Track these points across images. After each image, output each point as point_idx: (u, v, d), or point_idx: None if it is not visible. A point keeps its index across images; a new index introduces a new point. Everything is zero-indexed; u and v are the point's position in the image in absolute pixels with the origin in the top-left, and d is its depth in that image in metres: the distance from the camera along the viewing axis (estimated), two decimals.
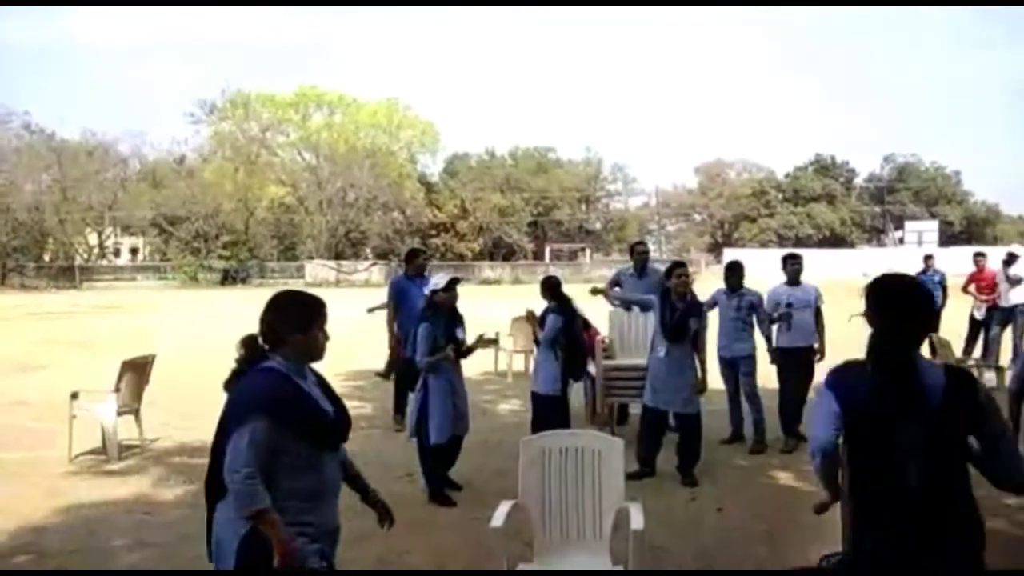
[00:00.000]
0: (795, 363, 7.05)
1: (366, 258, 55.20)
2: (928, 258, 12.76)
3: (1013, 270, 11.17)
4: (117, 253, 59.44)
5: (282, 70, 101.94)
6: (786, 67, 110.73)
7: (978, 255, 12.05)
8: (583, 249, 61.35)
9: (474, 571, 4.35)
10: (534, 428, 6.56)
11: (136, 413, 7.30)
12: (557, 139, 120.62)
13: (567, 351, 6.51)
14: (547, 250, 59.28)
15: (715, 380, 7.48)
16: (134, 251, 62.37)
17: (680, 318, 6.12)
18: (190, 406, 9.10)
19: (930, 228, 58.28)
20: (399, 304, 7.77)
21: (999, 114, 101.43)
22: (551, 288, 6.59)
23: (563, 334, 6.48)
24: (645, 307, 7.06)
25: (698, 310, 6.21)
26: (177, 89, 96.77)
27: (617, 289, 8.14)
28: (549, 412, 6.44)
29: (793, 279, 7.35)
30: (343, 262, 50.81)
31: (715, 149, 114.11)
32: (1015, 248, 11.99)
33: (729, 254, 45.50)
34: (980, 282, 11.63)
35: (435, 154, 61.83)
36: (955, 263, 12.69)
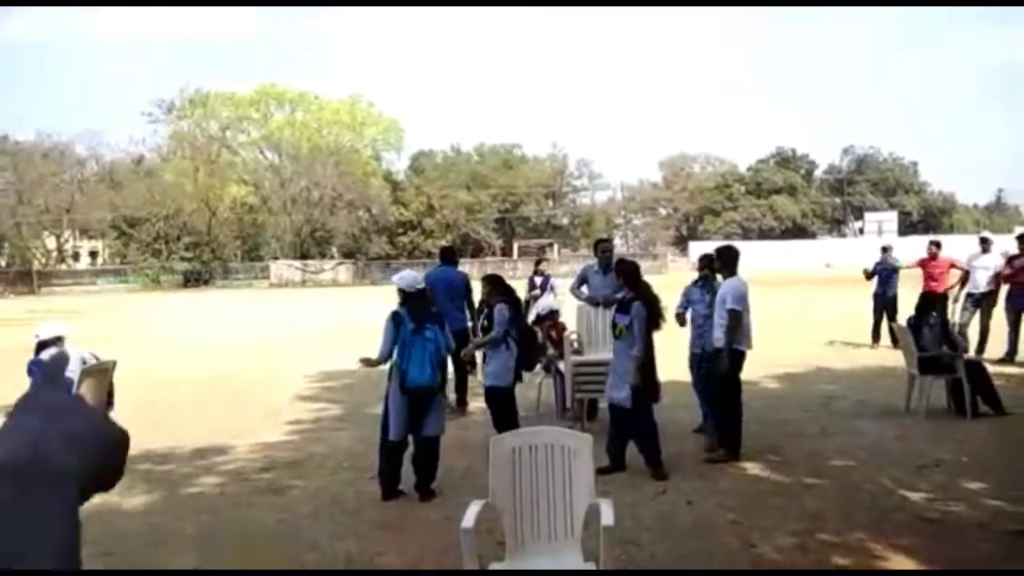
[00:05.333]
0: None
1: (332, 257, 54.73)
2: (885, 249, 13.03)
3: (985, 259, 11.35)
4: (76, 257, 58.16)
5: (242, 68, 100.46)
6: (746, 61, 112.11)
7: (933, 243, 12.30)
8: (551, 244, 61.44)
9: (447, 571, 4.34)
10: (496, 424, 6.63)
11: None
12: (522, 135, 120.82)
13: (519, 342, 6.65)
14: (515, 246, 59.29)
15: (683, 373, 7.57)
16: (93, 254, 61.06)
17: (612, 316, 6.28)
18: (154, 412, 8.96)
19: (889, 218, 59.46)
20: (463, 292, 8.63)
21: (954, 106, 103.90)
22: (496, 283, 6.90)
23: (513, 325, 6.64)
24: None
25: (626, 307, 6.12)
26: (133, 88, 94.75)
27: (584, 289, 8.16)
28: (505, 406, 6.57)
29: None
30: (309, 262, 50.31)
31: (678, 143, 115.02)
32: (988, 234, 12.24)
33: (695, 247, 45.98)
34: (934, 269, 11.88)
35: (400, 151, 61.48)
36: (914, 252, 12.92)
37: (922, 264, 12.15)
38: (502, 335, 6.61)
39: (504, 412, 6.57)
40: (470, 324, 8.36)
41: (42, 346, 6.94)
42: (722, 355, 6.43)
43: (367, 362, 5.82)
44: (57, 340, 7.02)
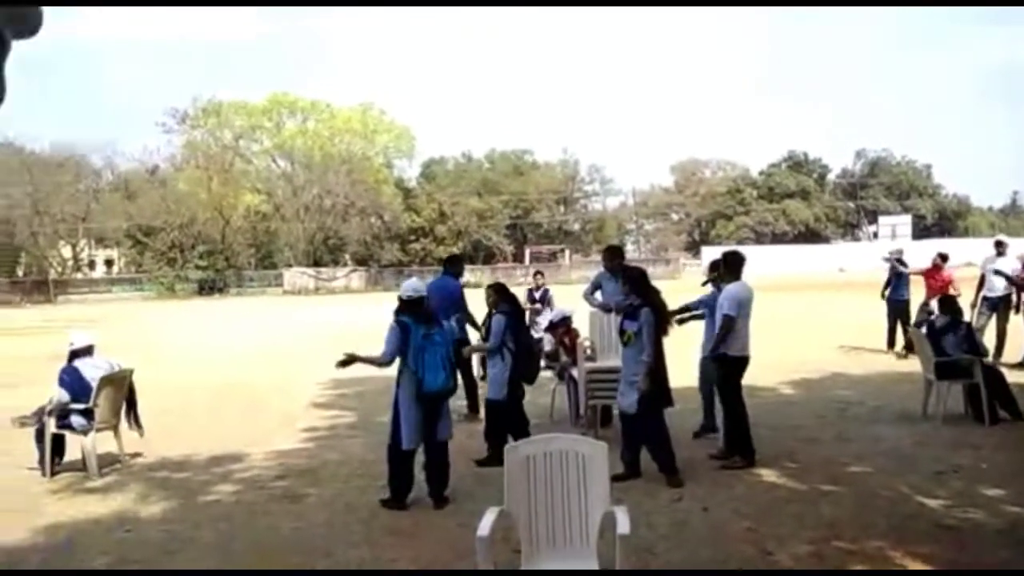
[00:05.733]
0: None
1: (345, 264, 54.95)
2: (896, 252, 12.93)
3: (1001, 262, 11.22)
4: (92, 265, 58.76)
5: (252, 77, 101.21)
6: (758, 65, 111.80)
7: (940, 255, 12.21)
8: (562, 250, 61.47)
9: (465, 571, 4.33)
10: (485, 435, 6.73)
11: (115, 429, 7.21)
12: (533, 141, 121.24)
13: (516, 354, 6.71)
14: (526, 252, 59.31)
15: (693, 379, 7.54)
16: (109, 263, 61.66)
17: (620, 322, 6.26)
18: (169, 420, 9.02)
19: (903, 222, 59.10)
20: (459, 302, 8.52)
21: (968, 108, 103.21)
22: (500, 292, 7.03)
23: (511, 335, 6.71)
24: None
25: (635, 313, 6.10)
26: (148, 98, 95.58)
27: (598, 295, 8.15)
28: (496, 419, 6.71)
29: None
30: (322, 269, 50.56)
31: (690, 148, 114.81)
32: (1003, 237, 12.09)
33: (707, 252, 45.87)
34: (935, 281, 11.80)
35: (411, 159, 61.85)
36: (929, 257, 12.79)
37: (925, 274, 12.07)
38: (496, 346, 6.71)
39: (497, 426, 6.64)
40: (474, 334, 8.40)
41: (75, 355, 7.04)
42: (715, 360, 6.47)
43: (350, 359, 5.67)
44: (89, 348, 7.14)
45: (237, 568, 4.77)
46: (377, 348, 5.74)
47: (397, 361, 5.68)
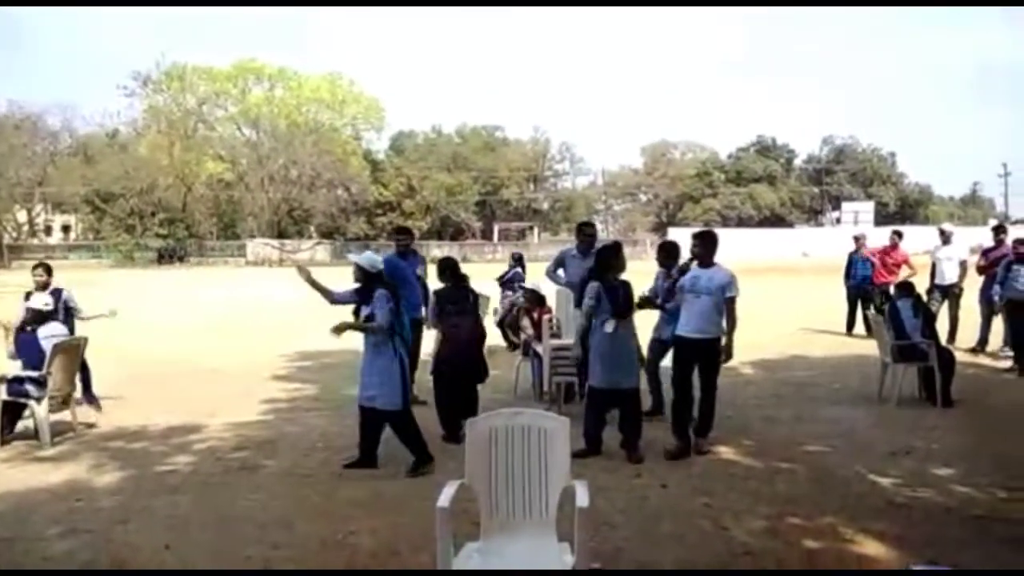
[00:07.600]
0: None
1: (310, 237, 54.29)
2: (858, 238, 13.09)
3: (947, 250, 11.43)
4: (48, 231, 57.36)
5: (220, 42, 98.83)
6: (729, 50, 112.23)
7: (895, 232, 12.42)
8: (531, 228, 61.46)
9: (417, 571, 4.24)
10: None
11: (69, 397, 7.07)
12: (505, 117, 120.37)
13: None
14: (495, 229, 59.17)
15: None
16: (66, 229, 60.21)
17: (629, 294, 6.23)
18: (126, 390, 8.87)
19: (866, 209, 60.09)
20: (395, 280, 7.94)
21: (933, 99, 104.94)
22: (452, 268, 7.14)
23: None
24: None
25: (626, 287, 6.31)
26: (109, 60, 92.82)
27: (560, 272, 8.08)
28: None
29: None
30: (286, 241, 49.90)
31: (660, 130, 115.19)
32: (946, 226, 12.31)
33: (674, 234, 46.16)
34: (888, 260, 12.00)
35: (380, 131, 60.97)
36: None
37: (881, 253, 12.25)
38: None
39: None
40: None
41: (33, 320, 6.96)
42: (722, 344, 6.21)
43: (305, 271, 6.16)
44: (49, 314, 7.13)
45: (191, 538, 4.69)
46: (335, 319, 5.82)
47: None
